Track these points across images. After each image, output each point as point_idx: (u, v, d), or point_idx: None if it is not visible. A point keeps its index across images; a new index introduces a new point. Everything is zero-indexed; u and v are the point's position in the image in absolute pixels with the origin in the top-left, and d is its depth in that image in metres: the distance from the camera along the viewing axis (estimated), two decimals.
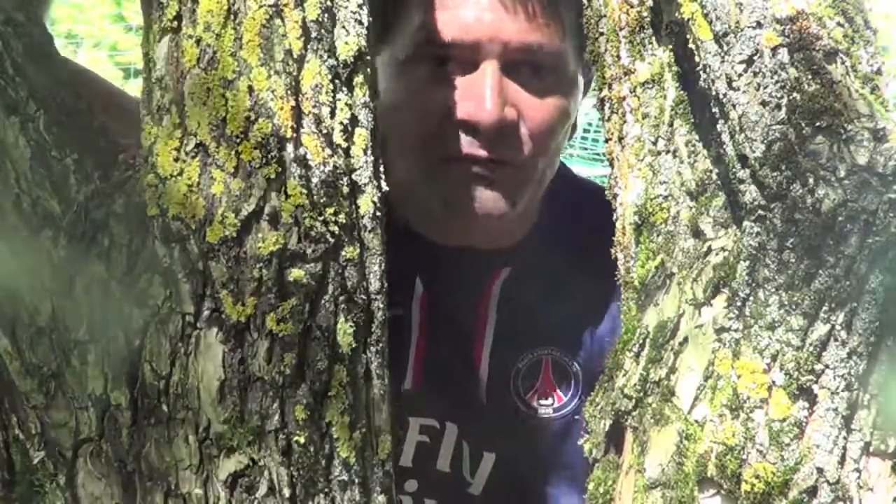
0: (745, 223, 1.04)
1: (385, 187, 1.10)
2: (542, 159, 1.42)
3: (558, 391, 1.51)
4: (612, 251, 1.19)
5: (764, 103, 1.00)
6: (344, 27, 1.06)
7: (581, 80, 1.45)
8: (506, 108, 1.36)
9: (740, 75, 1.01)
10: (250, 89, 1.03)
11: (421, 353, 1.50)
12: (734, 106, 1.01)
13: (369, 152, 1.08)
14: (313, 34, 1.05)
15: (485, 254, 1.49)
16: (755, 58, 1.00)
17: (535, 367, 1.51)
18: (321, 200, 1.04)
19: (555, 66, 1.40)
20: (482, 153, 1.37)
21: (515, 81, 1.38)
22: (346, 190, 1.06)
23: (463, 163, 1.38)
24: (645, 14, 1.12)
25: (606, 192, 1.20)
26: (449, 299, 1.51)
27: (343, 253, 1.05)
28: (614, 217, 1.18)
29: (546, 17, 1.37)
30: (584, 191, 1.57)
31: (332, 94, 1.05)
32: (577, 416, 1.48)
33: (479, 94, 1.35)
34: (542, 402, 1.51)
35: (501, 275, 1.51)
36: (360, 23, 1.07)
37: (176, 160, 1.04)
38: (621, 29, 1.14)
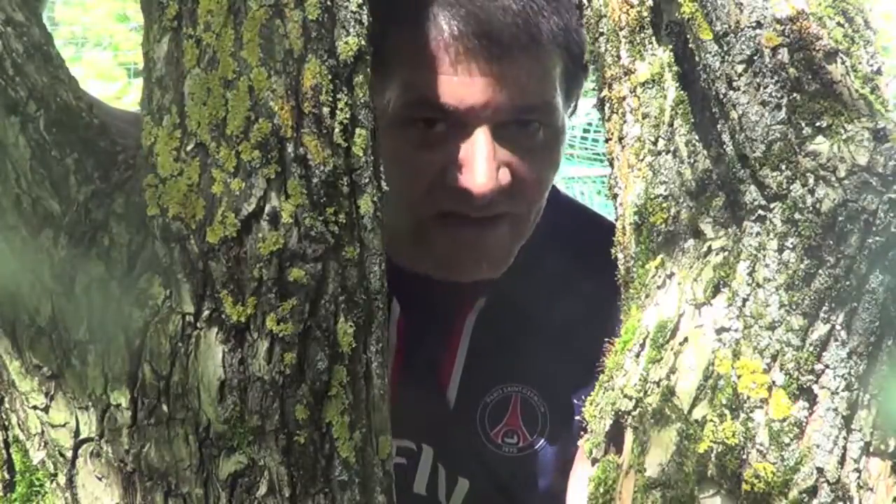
0: (745, 223, 1.04)
1: (385, 187, 1.10)
2: (534, 208, 1.41)
3: (524, 431, 1.49)
4: (612, 251, 1.19)
5: (764, 103, 1.00)
6: (344, 27, 1.06)
7: (567, 123, 1.43)
8: (499, 171, 1.34)
9: (740, 75, 1.01)
10: (250, 89, 1.03)
11: (395, 375, 1.49)
12: (734, 106, 1.01)
13: (369, 152, 1.08)
14: (313, 34, 1.05)
15: (462, 283, 1.47)
16: (755, 58, 1.00)
17: (503, 403, 1.49)
18: (321, 200, 1.04)
19: (545, 121, 1.38)
20: (474, 214, 1.36)
21: (505, 140, 1.35)
22: (346, 190, 1.06)
23: (454, 222, 1.37)
24: (645, 14, 1.12)
25: (606, 192, 1.20)
26: (424, 325, 1.49)
27: (343, 253, 1.06)
28: (613, 217, 1.18)
29: (536, 71, 1.35)
30: (563, 210, 1.55)
31: (332, 94, 1.05)
32: (540, 454, 1.47)
33: (472, 164, 1.33)
34: (508, 440, 1.50)
35: (477, 305, 1.50)
36: (360, 23, 1.07)
37: (176, 160, 1.04)
38: (621, 29, 1.13)
